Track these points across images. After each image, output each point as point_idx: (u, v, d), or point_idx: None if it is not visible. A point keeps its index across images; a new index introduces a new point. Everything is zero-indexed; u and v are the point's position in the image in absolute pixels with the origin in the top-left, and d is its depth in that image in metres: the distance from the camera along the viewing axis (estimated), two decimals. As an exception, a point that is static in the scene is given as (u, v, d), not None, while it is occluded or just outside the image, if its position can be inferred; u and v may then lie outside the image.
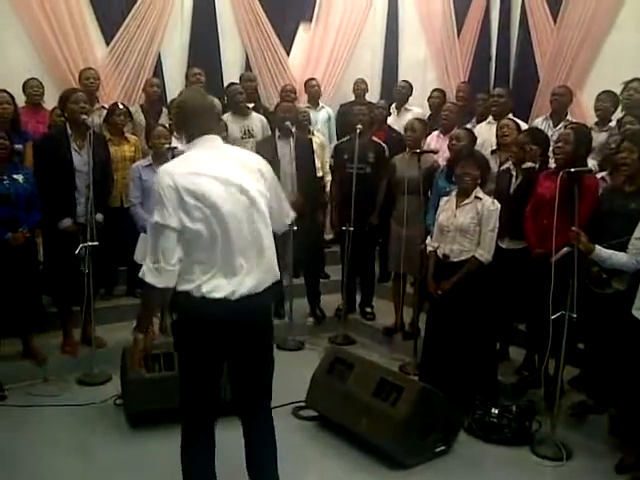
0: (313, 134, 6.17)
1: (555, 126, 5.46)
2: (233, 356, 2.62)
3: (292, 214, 2.86)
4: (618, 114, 5.04)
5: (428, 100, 6.81)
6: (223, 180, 2.48)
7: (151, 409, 3.74)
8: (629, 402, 3.47)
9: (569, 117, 5.58)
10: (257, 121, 6.04)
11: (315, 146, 5.66)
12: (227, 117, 5.86)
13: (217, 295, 2.45)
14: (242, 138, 5.83)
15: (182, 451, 2.63)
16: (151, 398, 3.72)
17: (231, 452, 2.70)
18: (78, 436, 3.75)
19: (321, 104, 7.01)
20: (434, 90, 6.89)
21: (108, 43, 6.59)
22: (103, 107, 5.72)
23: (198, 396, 2.62)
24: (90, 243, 4.31)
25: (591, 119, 5.36)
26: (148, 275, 2.42)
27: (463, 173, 4.06)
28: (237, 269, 2.49)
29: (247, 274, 2.51)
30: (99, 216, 4.66)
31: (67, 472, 3.40)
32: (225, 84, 6.58)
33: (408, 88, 6.96)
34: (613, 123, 5.13)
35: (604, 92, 5.28)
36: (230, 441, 2.71)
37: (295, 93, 6.61)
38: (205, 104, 2.66)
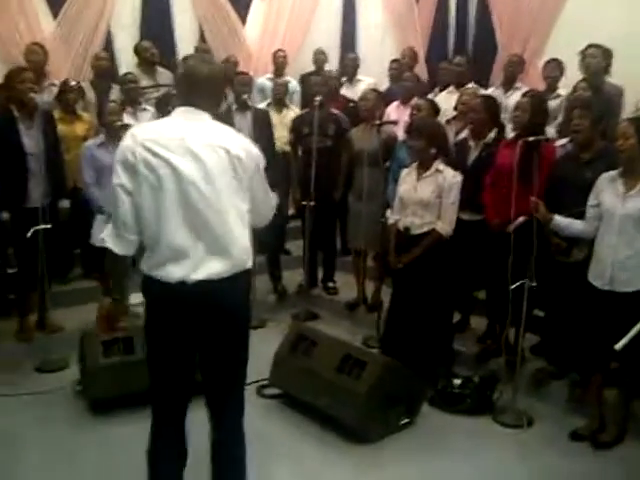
0: (288, 107, 6.09)
1: (505, 93, 5.51)
2: (197, 345, 2.46)
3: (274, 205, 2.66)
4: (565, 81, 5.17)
5: (389, 70, 6.80)
6: (185, 148, 2.29)
7: (112, 395, 3.67)
8: (588, 366, 3.53)
9: (518, 84, 5.65)
10: None
11: (289, 119, 5.57)
12: None
13: (170, 279, 2.31)
14: None
15: (150, 439, 2.52)
16: (111, 383, 3.66)
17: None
18: (38, 425, 3.65)
19: (287, 76, 6.86)
20: (393, 61, 6.87)
21: (55, 16, 6.34)
22: (53, 84, 5.50)
23: (164, 384, 2.49)
24: (43, 226, 4.17)
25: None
26: (109, 240, 2.39)
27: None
28: (189, 249, 2.31)
29: (203, 257, 2.32)
30: (65, 202, 4.52)
31: (29, 462, 3.31)
32: (179, 57, 6.42)
33: (356, 60, 6.99)
34: (561, 90, 5.20)
35: (551, 60, 5.40)
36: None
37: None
38: (202, 80, 2.38)
